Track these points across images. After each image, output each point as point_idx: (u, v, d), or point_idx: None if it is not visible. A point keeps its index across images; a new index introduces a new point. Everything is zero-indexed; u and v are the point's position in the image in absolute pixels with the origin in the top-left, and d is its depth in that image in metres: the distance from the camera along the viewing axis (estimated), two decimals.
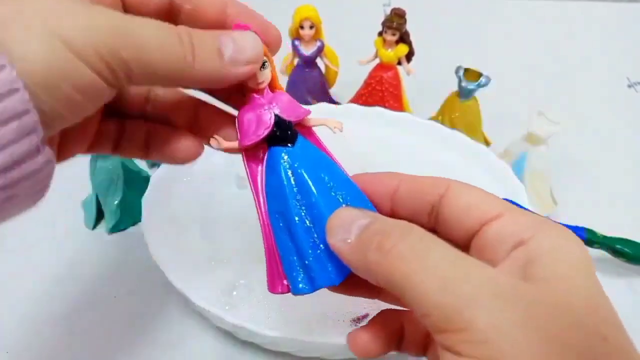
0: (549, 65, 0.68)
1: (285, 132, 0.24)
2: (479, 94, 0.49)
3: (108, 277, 0.41)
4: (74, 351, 0.36)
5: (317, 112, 0.49)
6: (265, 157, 0.25)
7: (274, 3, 0.66)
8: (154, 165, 0.51)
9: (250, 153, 0.25)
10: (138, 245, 0.42)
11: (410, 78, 0.52)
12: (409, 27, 0.50)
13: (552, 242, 0.19)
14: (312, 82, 0.53)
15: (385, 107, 0.50)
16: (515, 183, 0.42)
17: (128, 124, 0.25)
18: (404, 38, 0.50)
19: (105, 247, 0.43)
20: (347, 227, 0.20)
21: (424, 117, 0.50)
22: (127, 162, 0.44)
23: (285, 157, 0.24)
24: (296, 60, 0.53)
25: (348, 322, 0.34)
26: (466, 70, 0.48)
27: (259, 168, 0.25)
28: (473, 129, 0.50)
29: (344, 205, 0.23)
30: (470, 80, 0.48)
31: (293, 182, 0.24)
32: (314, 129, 0.26)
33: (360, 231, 0.20)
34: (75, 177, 0.46)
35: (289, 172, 0.24)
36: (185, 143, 0.25)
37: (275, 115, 0.24)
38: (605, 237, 0.40)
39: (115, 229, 0.44)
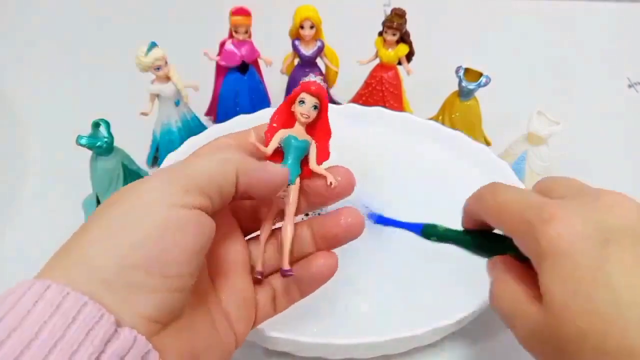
0: (549, 65, 0.68)
1: (243, 66, 0.51)
2: (479, 94, 0.49)
3: None
4: None
5: None
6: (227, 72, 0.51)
7: (274, 3, 0.66)
8: (153, 165, 0.51)
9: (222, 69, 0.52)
10: None
11: (410, 78, 0.52)
12: (409, 27, 0.50)
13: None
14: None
15: (385, 107, 0.50)
16: (515, 183, 0.42)
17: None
18: (404, 38, 0.50)
19: None
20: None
21: (424, 117, 0.50)
22: (127, 161, 0.44)
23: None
24: (296, 60, 0.53)
25: (347, 322, 0.34)
26: (466, 70, 0.48)
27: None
28: (473, 129, 0.50)
29: None
30: (470, 80, 0.48)
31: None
32: None
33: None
34: (75, 177, 0.46)
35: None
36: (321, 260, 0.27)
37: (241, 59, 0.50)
38: (447, 229, 0.31)
39: None
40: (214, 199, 0.22)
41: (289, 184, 0.26)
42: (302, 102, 0.26)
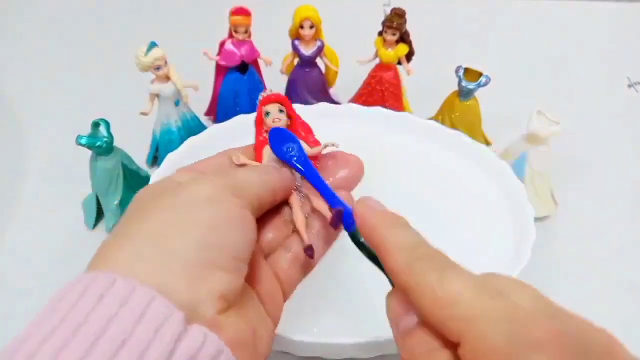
0: (549, 65, 0.68)
1: (243, 66, 0.51)
2: (479, 94, 0.49)
3: None
4: None
5: (318, 112, 0.49)
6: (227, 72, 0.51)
7: (274, 3, 0.66)
8: (153, 165, 0.51)
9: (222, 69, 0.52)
10: None
11: (410, 78, 0.52)
12: (409, 27, 0.50)
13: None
14: (312, 82, 0.53)
15: (385, 107, 0.50)
16: (515, 183, 0.42)
17: None
18: (404, 38, 0.50)
19: None
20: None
21: (424, 117, 0.50)
22: (127, 161, 0.44)
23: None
24: (296, 60, 0.53)
25: (348, 322, 0.34)
26: (466, 70, 0.48)
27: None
28: (473, 129, 0.50)
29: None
30: (470, 80, 0.48)
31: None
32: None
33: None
34: (75, 177, 0.46)
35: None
36: None
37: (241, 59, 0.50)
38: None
39: None
40: (254, 208, 0.24)
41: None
42: (267, 114, 0.28)
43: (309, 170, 0.27)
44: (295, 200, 0.27)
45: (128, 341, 0.16)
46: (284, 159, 0.27)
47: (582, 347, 0.16)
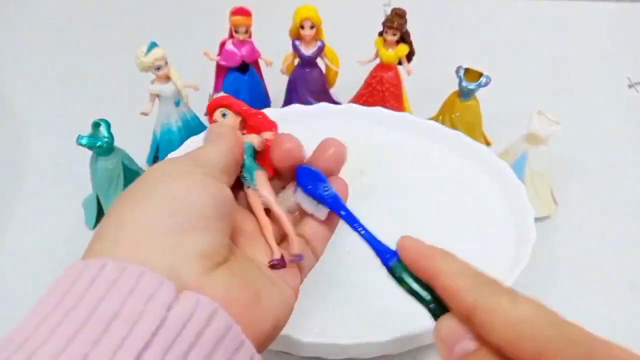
0: (549, 65, 0.68)
1: (243, 66, 0.51)
2: (479, 94, 0.49)
3: None
4: None
5: (318, 112, 0.49)
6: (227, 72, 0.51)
7: (274, 3, 0.66)
8: (153, 164, 0.51)
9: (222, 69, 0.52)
10: None
11: (410, 78, 0.52)
12: (409, 27, 0.50)
13: None
14: (312, 82, 0.53)
15: (385, 107, 0.50)
16: (515, 183, 0.42)
17: None
18: (404, 38, 0.50)
19: None
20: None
21: (424, 117, 0.50)
22: (127, 161, 0.44)
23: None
24: (296, 60, 0.53)
25: (349, 323, 0.34)
26: (466, 70, 0.48)
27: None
28: (473, 129, 0.50)
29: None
30: (470, 80, 0.48)
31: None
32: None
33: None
34: (75, 176, 0.46)
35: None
36: None
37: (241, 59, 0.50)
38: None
39: None
40: (221, 171, 0.25)
41: (250, 186, 0.27)
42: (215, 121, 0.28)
43: (341, 207, 0.26)
44: (254, 200, 0.26)
45: (119, 314, 0.17)
46: (320, 199, 0.26)
47: None
